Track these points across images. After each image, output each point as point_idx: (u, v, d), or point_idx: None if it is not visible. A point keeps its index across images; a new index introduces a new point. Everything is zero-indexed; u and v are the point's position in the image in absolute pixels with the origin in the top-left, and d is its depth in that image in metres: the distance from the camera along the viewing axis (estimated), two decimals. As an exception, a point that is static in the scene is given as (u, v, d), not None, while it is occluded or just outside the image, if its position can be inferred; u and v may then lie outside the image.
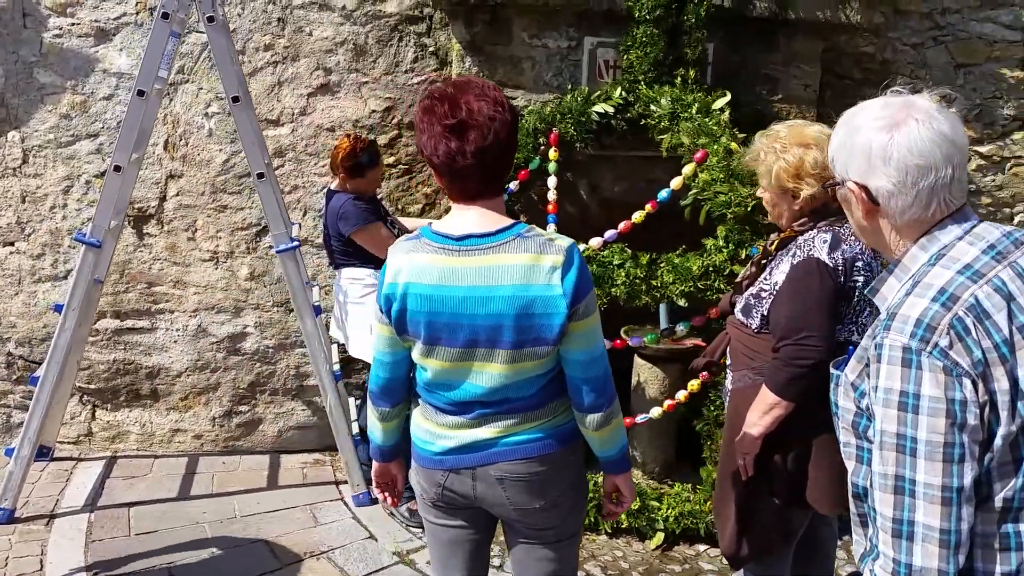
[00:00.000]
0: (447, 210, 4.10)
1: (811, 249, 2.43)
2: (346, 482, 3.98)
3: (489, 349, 1.86)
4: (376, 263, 3.58)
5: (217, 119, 4.04)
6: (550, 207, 3.81)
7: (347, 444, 3.74)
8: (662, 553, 3.49)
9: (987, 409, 1.33)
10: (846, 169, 1.51)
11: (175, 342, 4.13)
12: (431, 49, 4.13)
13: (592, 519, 3.49)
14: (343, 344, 3.90)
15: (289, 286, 3.61)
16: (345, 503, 3.81)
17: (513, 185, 3.88)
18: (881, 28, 4.49)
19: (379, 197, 3.89)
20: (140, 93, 3.27)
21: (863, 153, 1.46)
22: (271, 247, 4.12)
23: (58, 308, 3.42)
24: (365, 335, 3.58)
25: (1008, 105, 4.77)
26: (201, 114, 4.02)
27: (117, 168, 3.32)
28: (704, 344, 3.59)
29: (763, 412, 2.46)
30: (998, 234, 1.45)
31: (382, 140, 4.10)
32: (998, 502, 1.37)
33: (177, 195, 4.06)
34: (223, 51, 3.34)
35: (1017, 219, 4.90)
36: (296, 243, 3.58)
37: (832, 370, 1.61)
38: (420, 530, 3.60)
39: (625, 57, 3.94)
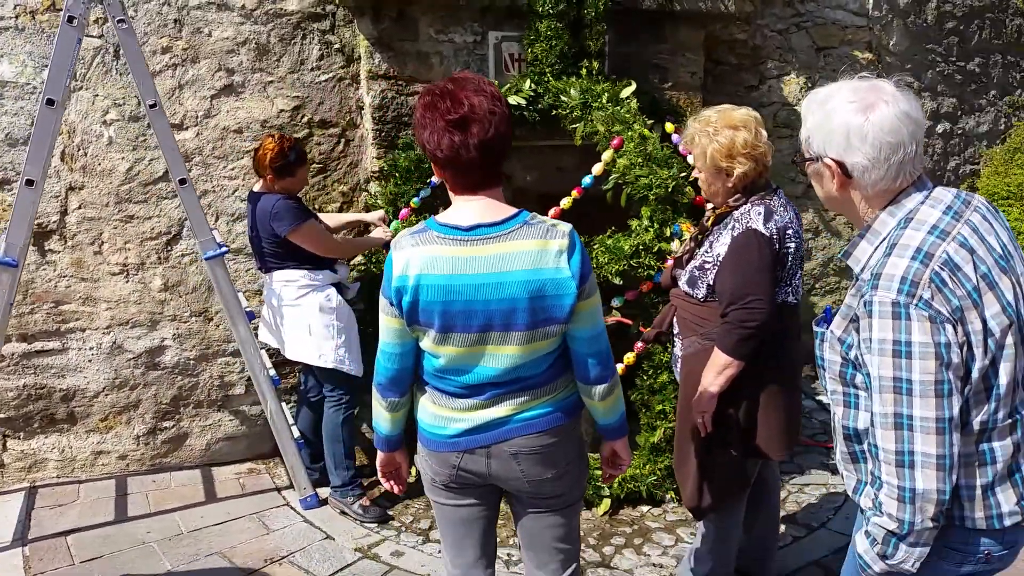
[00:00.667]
0: (366, 207, 4.17)
1: (748, 221, 2.69)
2: (288, 487, 3.96)
3: (504, 332, 1.97)
4: (311, 263, 3.56)
5: (116, 127, 3.86)
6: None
7: (291, 448, 3.72)
8: (610, 518, 3.71)
9: (964, 348, 1.58)
10: (824, 148, 1.70)
11: (89, 361, 3.93)
12: (336, 46, 4.13)
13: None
14: (274, 348, 3.86)
15: (219, 293, 3.54)
16: (292, 508, 3.79)
17: (435, 179, 3.96)
18: (751, 16, 4.89)
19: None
20: (50, 102, 3.10)
21: (841, 133, 1.66)
22: (183, 256, 4.02)
23: (-29, 335, 3.19)
24: (303, 336, 3.57)
25: (860, 83, 5.30)
26: (99, 122, 3.84)
27: (30, 182, 3.13)
28: (626, 320, 3.83)
29: (717, 372, 2.69)
30: (950, 197, 1.70)
31: (294, 140, 4.06)
32: (976, 425, 1.62)
33: (79, 208, 3.86)
34: (136, 55, 3.23)
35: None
36: (225, 248, 3.51)
37: (815, 327, 1.84)
38: (376, 525, 3.65)
39: (530, 50, 4.10)
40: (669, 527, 3.64)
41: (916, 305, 1.54)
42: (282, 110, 4.08)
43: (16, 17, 3.70)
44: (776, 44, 5.10)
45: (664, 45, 4.55)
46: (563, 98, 3.91)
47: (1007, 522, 1.65)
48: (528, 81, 4.02)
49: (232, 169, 4.04)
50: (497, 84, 4.04)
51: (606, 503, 3.71)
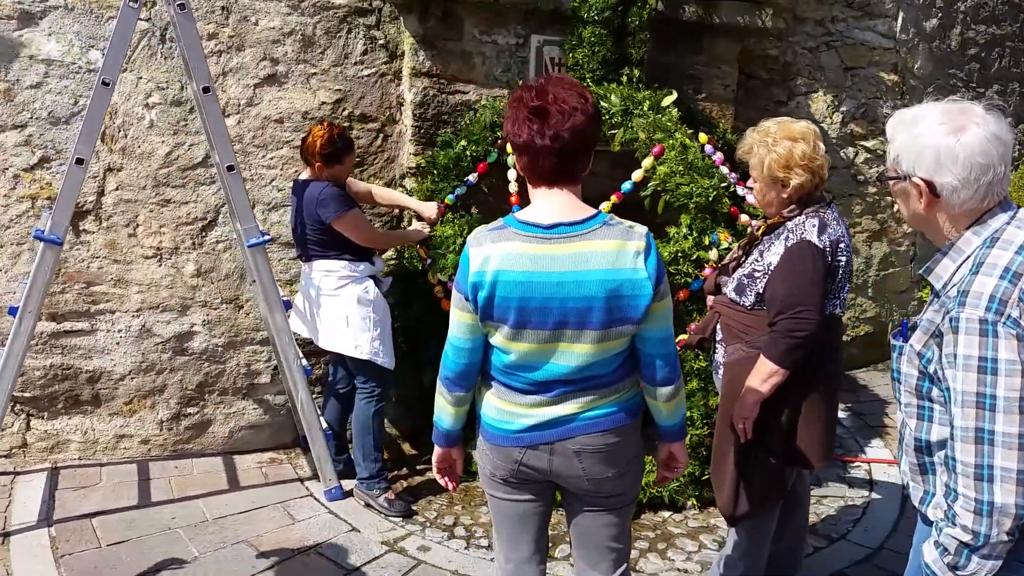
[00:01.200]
0: (409, 220, 4.16)
1: (803, 233, 2.72)
2: (310, 478, 3.96)
3: (578, 330, 1.99)
4: (352, 254, 3.57)
5: (158, 110, 3.86)
6: (513, 199, 3.95)
7: (319, 439, 3.71)
8: (633, 522, 3.72)
9: None
10: (913, 167, 1.74)
11: (117, 344, 3.91)
12: (381, 42, 4.15)
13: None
14: (304, 338, 3.86)
15: (259, 282, 3.54)
16: (315, 499, 3.78)
17: (472, 177, 3.98)
18: (784, 32, 4.95)
19: None
20: (105, 83, 3.11)
21: (932, 154, 1.70)
22: (218, 242, 4.02)
23: (12, 311, 3.18)
24: (340, 327, 3.58)
25: (887, 104, 5.38)
26: (141, 104, 3.83)
27: (80, 161, 3.14)
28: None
29: (762, 380, 2.72)
30: None
31: (333, 132, 4.07)
32: None
33: (117, 189, 3.85)
34: (194, 40, 3.23)
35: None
36: (268, 237, 3.52)
37: (892, 341, 1.87)
38: (400, 519, 3.65)
39: (571, 55, 4.13)
40: (691, 533, 3.67)
41: (1004, 323, 1.57)
42: (324, 102, 4.09)
43: (65, -5, 3.70)
44: (806, 61, 5.16)
45: (701, 57, 4.60)
46: (603, 104, 3.94)
47: None
48: (568, 86, 4.05)
49: (271, 158, 4.05)
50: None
51: (631, 507, 3.72)
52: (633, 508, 2.34)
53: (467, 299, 2.04)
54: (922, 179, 1.72)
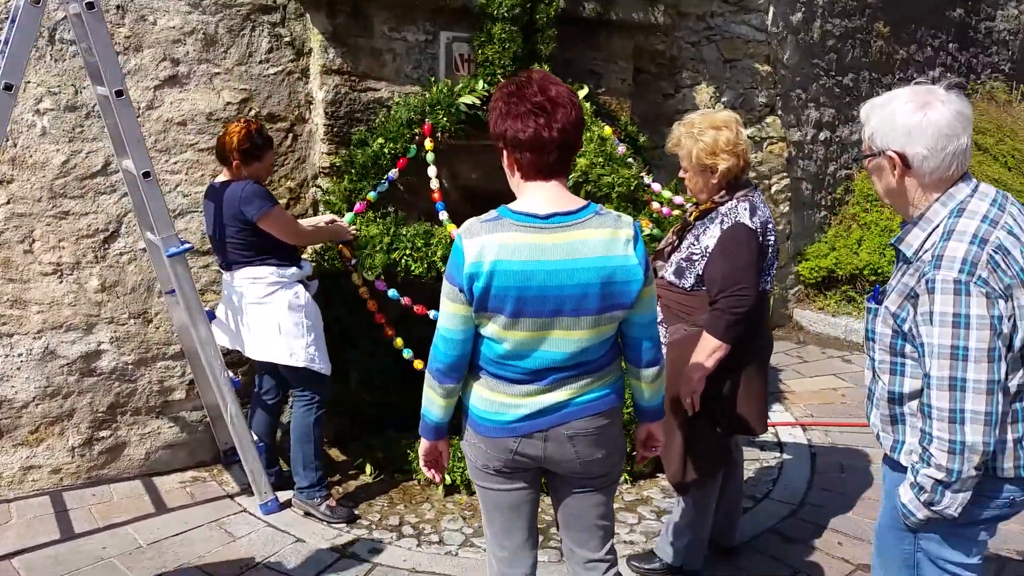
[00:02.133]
0: (313, 205, 4.09)
1: (736, 216, 2.90)
2: (239, 494, 3.83)
3: (574, 317, 2.05)
4: (278, 258, 3.46)
5: (51, 116, 3.60)
6: (435, 195, 3.96)
7: (251, 452, 3.59)
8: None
9: (1011, 321, 1.83)
10: (886, 143, 1.92)
11: (18, 369, 3.62)
12: (287, 39, 4.04)
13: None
14: (226, 349, 3.71)
15: (180, 292, 3.37)
16: (251, 513, 3.65)
17: (393, 173, 3.96)
18: (669, 28, 5.21)
19: None
20: (7, 87, 2.87)
21: (903, 128, 1.89)
22: (122, 254, 3.81)
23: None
24: (272, 335, 3.47)
25: (762, 94, 5.76)
26: (31, 111, 3.56)
27: (-18, 173, 2.89)
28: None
29: (707, 355, 2.88)
30: (994, 192, 1.96)
31: (241, 134, 3.93)
32: (1012, 388, 1.88)
33: (8, 203, 3.56)
34: (105, 41, 3.03)
35: (774, 188, 5.94)
36: (189, 245, 3.36)
37: (868, 304, 2.06)
38: (344, 525, 3.59)
39: (481, 52, 4.19)
40: (629, 507, 3.82)
41: (975, 283, 1.77)
42: (229, 103, 3.94)
43: (-65, -7, 3.38)
44: (690, 55, 5.44)
45: (599, 53, 4.77)
46: (517, 99, 4.01)
47: None
48: (481, 81, 4.10)
49: (175, 163, 3.86)
50: (449, 83, 4.12)
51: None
52: (616, 486, 2.43)
53: (461, 290, 2.05)
54: (895, 152, 1.90)
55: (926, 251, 1.89)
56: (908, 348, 1.94)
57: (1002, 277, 1.79)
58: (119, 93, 3.09)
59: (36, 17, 2.90)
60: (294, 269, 3.53)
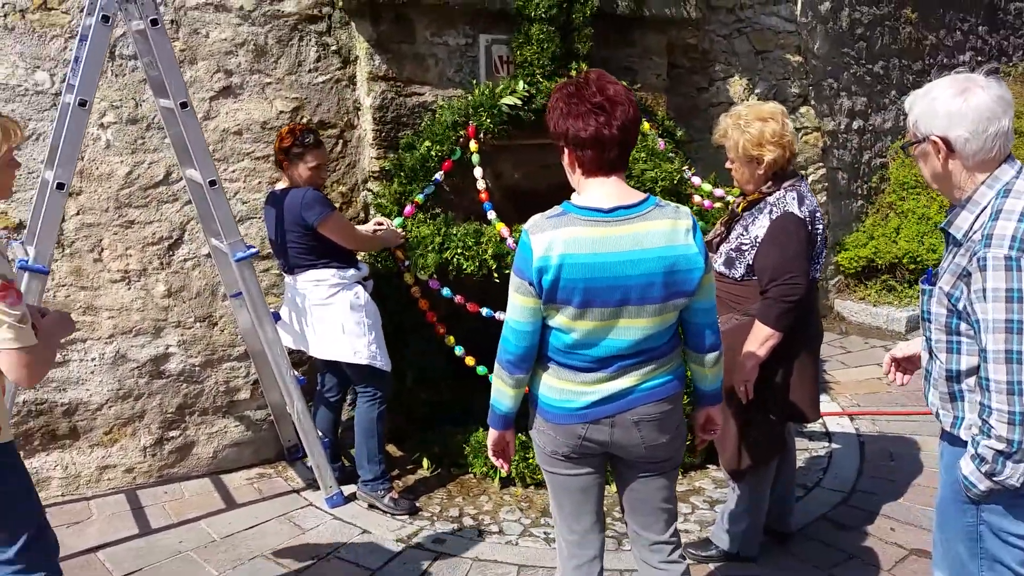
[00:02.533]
0: (364, 208, 4.21)
1: (785, 206, 2.98)
2: (305, 488, 3.96)
3: (639, 305, 2.15)
4: (338, 261, 3.59)
5: (114, 129, 3.75)
6: (482, 196, 4.06)
7: (317, 447, 3.72)
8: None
9: None
10: (929, 128, 2.00)
11: (92, 373, 3.78)
12: (333, 48, 4.16)
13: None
14: (292, 350, 3.84)
15: (247, 295, 3.51)
16: (317, 507, 3.78)
17: (439, 176, 4.07)
18: (701, 22, 5.27)
19: None
20: (82, 103, 3.02)
21: (944, 113, 1.97)
22: (186, 260, 3.96)
23: None
24: (336, 335, 3.59)
25: (794, 84, 5.81)
26: (96, 124, 3.71)
27: (60, 186, 3.04)
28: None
29: (760, 343, 2.96)
30: None
31: (293, 141, 4.06)
32: None
33: (78, 214, 3.72)
34: (168, 56, 3.17)
35: (811, 178, 5.98)
36: (255, 250, 3.50)
37: (922, 286, 2.14)
38: (407, 517, 3.72)
39: (519, 53, 4.29)
40: (682, 497, 3.90)
41: None
42: (281, 111, 4.08)
43: (5, 16, 3.54)
44: (722, 48, 5.51)
45: (634, 49, 4.85)
46: (560, 98, 4.10)
47: None
48: (521, 82, 4.20)
49: (233, 171, 4.00)
50: (490, 85, 4.23)
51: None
52: (678, 470, 2.53)
53: (531, 283, 2.14)
54: (938, 136, 1.98)
55: (975, 232, 1.96)
56: (963, 327, 2.02)
57: None
58: (183, 105, 3.23)
59: (107, 34, 3.05)
60: (353, 271, 3.66)
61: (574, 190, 2.28)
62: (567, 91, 2.16)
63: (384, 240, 3.85)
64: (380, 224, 3.90)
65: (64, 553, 3.27)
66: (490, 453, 2.47)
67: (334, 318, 3.59)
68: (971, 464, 2.00)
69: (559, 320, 2.19)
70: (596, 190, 2.18)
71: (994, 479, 1.96)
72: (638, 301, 2.15)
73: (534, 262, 2.12)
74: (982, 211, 1.99)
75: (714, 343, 2.32)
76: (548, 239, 2.12)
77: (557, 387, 2.27)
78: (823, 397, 4.94)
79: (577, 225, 2.12)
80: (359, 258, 3.88)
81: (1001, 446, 1.91)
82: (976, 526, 2.11)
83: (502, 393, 2.33)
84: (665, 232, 2.14)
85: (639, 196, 2.18)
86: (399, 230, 3.90)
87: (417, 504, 3.82)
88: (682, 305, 2.22)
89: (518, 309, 2.22)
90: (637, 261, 2.12)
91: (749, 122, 3.02)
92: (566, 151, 2.21)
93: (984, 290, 1.90)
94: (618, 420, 2.26)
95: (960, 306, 2.00)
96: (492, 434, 2.42)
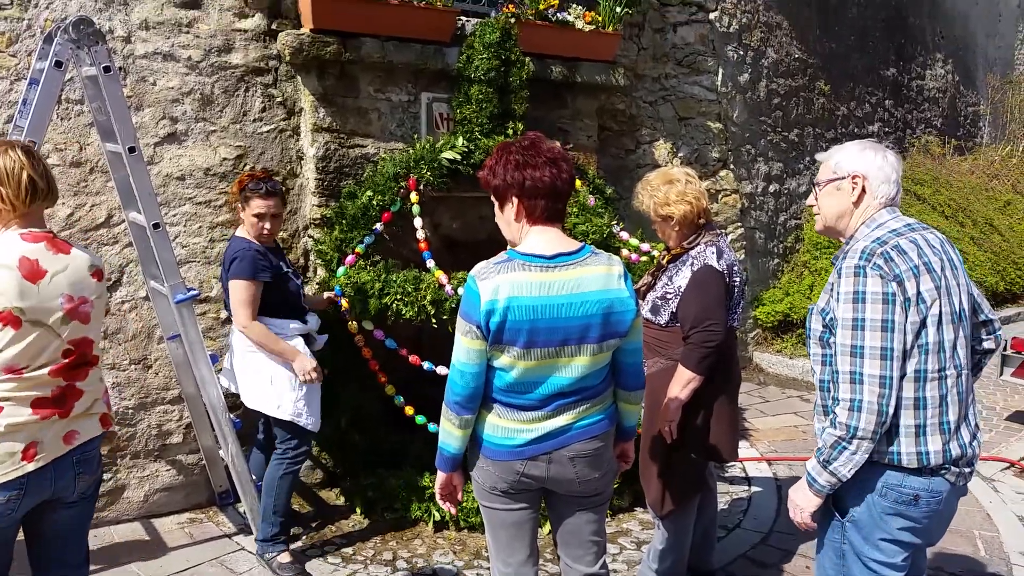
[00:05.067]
0: (305, 254, 4.31)
1: (705, 259, 3.21)
2: (237, 533, 3.95)
3: (578, 345, 2.31)
4: (281, 313, 3.55)
5: (57, 172, 3.74)
6: (422, 245, 4.21)
7: (251, 491, 3.74)
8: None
9: (906, 305, 2.14)
10: (853, 168, 2.31)
11: (21, 415, 3.73)
12: (278, 99, 4.30)
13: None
14: (232, 393, 3.83)
15: (185, 337, 3.55)
16: (250, 552, 3.77)
17: (379, 226, 4.21)
18: (629, 89, 5.60)
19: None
20: (31, 144, 3.07)
21: (864, 158, 2.31)
22: (123, 303, 3.98)
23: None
24: (264, 385, 3.53)
25: (715, 149, 6.17)
26: (38, 166, 3.74)
27: None
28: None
29: (682, 386, 3.16)
30: (913, 220, 2.34)
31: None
32: (912, 374, 2.18)
33: (15, 254, 3.71)
34: (120, 102, 3.26)
35: (730, 237, 6.32)
36: (195, 292, 3.55)
37: (810, 306, 2.39)
38: (339, 561, 3.74)
39: (459, 111, 4.50)
40: (610, 538, 4.02)
41: (871, 267, 2.16)
42: (225, 158, 4.17)
43: (-49, 57, 3.58)
44: (648, 114, 5.84)
45: (566, 111, 5.13)
46: (496, 154, 4.32)
47: (932, 461, 2.18)
48: (461, 138, 4.40)
49: (174, 215, 4.06)
50: (431, 139, 4.42)
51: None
52: (608, 505, 2.67)
53: (478, 327, 2.27)
54: (860, 173, 2.30)
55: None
56: (833, 339, 2.26)
57: (894, 268, 2.16)
58: (132, 149, 3.30)
59: (59, 79, 3.13)
60: (297, 323, 3.60)
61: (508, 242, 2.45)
62: (522, 144, 2.34)
63: (283, 352, 3.51)
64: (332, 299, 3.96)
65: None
66: (437, 496, 2.55)
67: (264, 368, 3.53)
68: (813, 460, 2.24)
69: (503, 360, 2.31)
70: (538, 238, 2.35)
71: (828, 468, 2.18)
72: (577, 341, 2.31)
73: (482, 305, 2.25)
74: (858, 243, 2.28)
75: (641, 382, 2.50)
76: (495, 284, 2.26)
77: (499, 425, 2.38)
78: (743, 443, 5.17)
79: (522, 270, 2.28)
80: (307, 309, 3.77)
81: (841, 432, 2.16)
82: (840, 544, 2.34)
83: (450, 435, 2.42)
84: (601, 277, 2.33)
85: (576, 244, 2.37)
86: (307, 362, 3.53)
87: (307, 569, 3.62)
88: (615, 345, 2.39)
89: (465, 351, 2.33)
90: (578, 303, 2.29)
91: (656, 186, 3.30)
92: (514, 201, 2.35)
93: (839, 293, 2.20)
94: (555, 456, 2.39)
95: (828, 319, 2.26)
96: (440, 476, 2.50)
